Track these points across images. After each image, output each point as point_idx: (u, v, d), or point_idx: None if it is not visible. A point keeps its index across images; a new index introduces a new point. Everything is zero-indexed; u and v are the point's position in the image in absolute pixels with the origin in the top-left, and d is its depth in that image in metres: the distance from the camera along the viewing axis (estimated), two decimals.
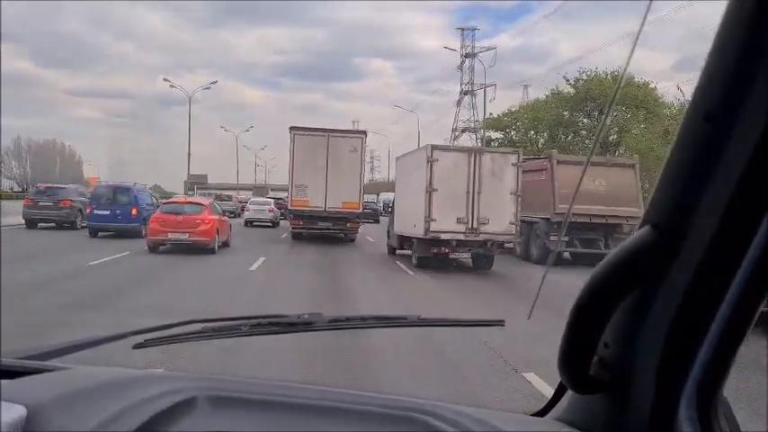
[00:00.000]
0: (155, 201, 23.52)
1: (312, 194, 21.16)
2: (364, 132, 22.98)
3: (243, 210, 37.63)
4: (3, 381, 0.96)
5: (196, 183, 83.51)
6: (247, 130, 69.62)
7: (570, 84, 39.44)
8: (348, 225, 21.91)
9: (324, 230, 21.44)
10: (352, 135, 22.56)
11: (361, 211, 22.56)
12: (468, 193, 15.32)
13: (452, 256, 15.63)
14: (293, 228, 22.42)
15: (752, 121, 0.67)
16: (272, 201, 35.74)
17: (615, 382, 0.88)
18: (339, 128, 22.82)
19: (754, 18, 0.65)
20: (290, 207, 22.11)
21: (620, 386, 0.87)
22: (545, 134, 40.72)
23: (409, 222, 16.71)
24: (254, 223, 32.22)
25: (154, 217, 17.64)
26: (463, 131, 77.25)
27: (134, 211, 20.90)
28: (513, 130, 44.31)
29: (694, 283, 0.76)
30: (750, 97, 0.67)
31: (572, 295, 0.85)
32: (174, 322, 1.46)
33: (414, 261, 16.40)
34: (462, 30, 76.39)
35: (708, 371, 0.79)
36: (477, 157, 15.36)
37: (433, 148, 15.33)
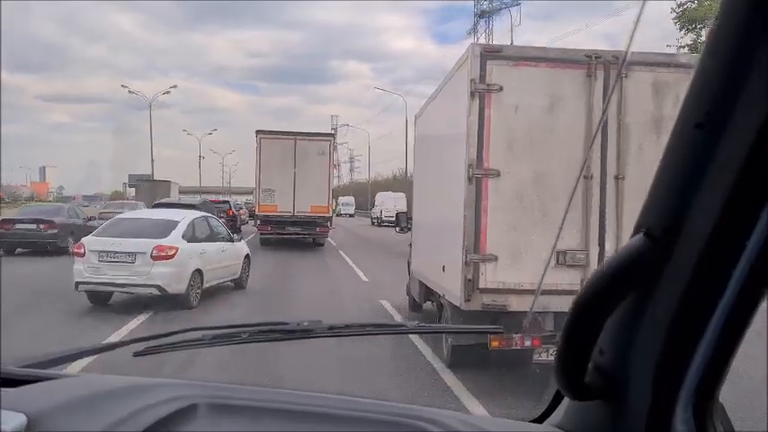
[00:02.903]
0: None
1: (280, 199, 20.70)
2: (332, 135, 23.50)
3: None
4: (3, 389, 0.96)
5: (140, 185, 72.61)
6: (167, 92, 49.02)
7: None
8: (318, 230, 21.22)
9: (292, 235, 20.77)
10: (319, 138, 21.99)
11: (331, 215, 22.17)
12: (587, 179, 5.42)
13: (543, 357, 5.62)
14: (261, 234, 21.10)
15: (743, 128, 0.67)
16: (185, 214, 10.88)
17: (611, 389, 0.88)
18: (309, 131, 22.52)
19: (745, 25, 0.66)
20: (257, 212, 21.46)
21: (617, 392, 0.87)
22: None
23: (433, 257, 6.98)
24: (128, 290, 9.46)
25: None
26: None
27: None
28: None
29: (689, 289, 0.76)
30: (741, 104, 0.67)
31: None
32: (175, 330, 1.49)
33: (444, 352, 6.56)
34: None
35: (704, 376, 0.79)
36: (613, 81, 5.44)
37: (487, 54, 5.42)
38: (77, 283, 9.28)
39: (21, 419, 0.85)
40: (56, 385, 1.11)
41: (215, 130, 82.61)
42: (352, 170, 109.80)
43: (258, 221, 21.43)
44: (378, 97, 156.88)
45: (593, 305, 0.82)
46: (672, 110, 5.33)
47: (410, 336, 7.07)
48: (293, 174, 20.67)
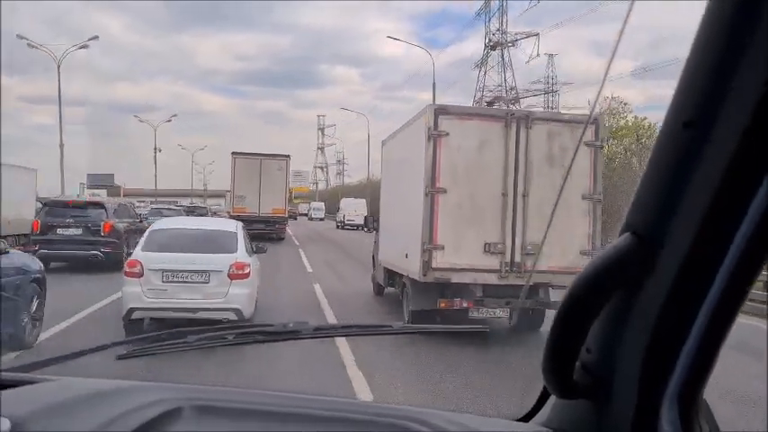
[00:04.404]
0: None
1: (249, 203, 26.92)
2: (288, 156, 28.84)
3: None
4: None
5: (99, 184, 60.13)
6: (84, 46, 33.98)
7: None
8: (277, 226, 27.45)
9: (258, 231, 24.39)
10: (279, 158, 28.37)
11: (286, 215, 29.47)
12: (504, 195, 8.15)
13: (476, 314, 8.39)
14: None
15: (730, 127, 0.67)
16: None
17: (598, 387, 0.88)
18: (271, 152, 28.78)
19: (731, 26, 0.66)
20: (231, 213, 26.30)
21: (603, 390, 0.88)
22: None
23: (399, 248, 9.57)
24: (201, 315, 7.68)
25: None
26: (491, 104, 54.52)
27: None
28: None
29: (674, 288, 0.77)
30: (728, 104, 0.67)
31: None
32: (159, 332, 1.48)
33: (405, 317, 9.21)
34: None
35: (688, 374, 0.80)
36: (522, 130, 8.16)
37: (439, 111, 8.11)
38: (132, 310, 7.70)
39: (5, 424, 0.84)
40: (39, 389, 1.10)
41: (175, 116, 72.49)
42: (341, 173, 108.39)
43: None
44: (365, 102, 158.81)
45: (580, 304, 0.82)
46: (558, 151, 8.12)
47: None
48: (259, 184, 27.05)
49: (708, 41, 0.68)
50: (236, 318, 7.70)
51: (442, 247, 8.01)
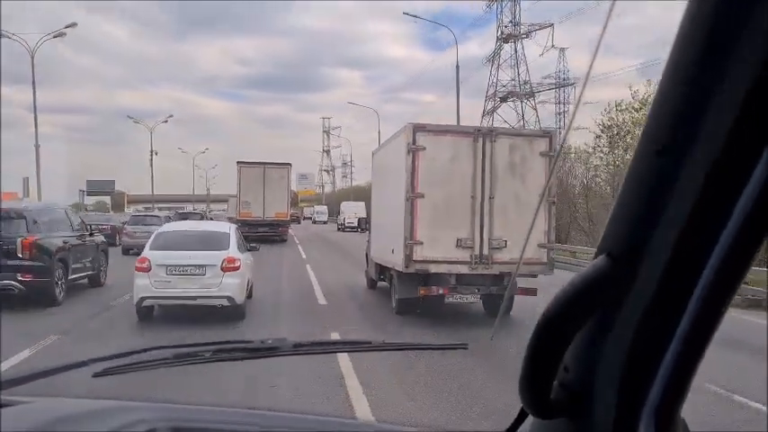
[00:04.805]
0: None
1: (254, 208, 29.30)
2: (289, 164, 31.49)
3: None
4: None
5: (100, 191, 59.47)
6: (60, 34, 32.06)
7: None
8: (280, 229, 29.95)
9: (263, 233, 27.41)
10: (280, 166, 30.92)
11: (288, 219, 31.60)
12: (473, 198, 9.65)
13: (451, 299, 9.92)
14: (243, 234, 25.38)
15: (704, 154, 0.68)
16: None
17: (575, 406, 0.89)
18: (274, 160, 31.24)
19: (702, 52, 0.66)
20: (238, 218, 28.59)
21: (581, 410, 0.88)
22: None
23: (386, 245, 11.08)
24: (199, 302, 9.77)
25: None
26: (504, 99, 53.25)
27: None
28: None
29: (650, 310, 0.79)
30: (702, 130, 0.68)
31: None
32: (135, 349, 1.44)
33: (393, 305, 10.72)
34: None
35: (666, 393, 0.81)
36: (488, 144, 9.67)
37: (417, 128, 9.63)
38: (143, 299, 9.35)
39: None
40: (12, 413, 1.08)
41: (171, 116, 69.10)
42: (346, 175, 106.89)
43: (239, 224, 27.79)
44: (369, 105, 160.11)
45: (558, 325, 0.83)
46: (518, 160, 9.63)
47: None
48: (263, 190, 29.39)
49: (679, 69, 0.69)
50: (228, 304, 9.43)
51: (421, 243, 9.52)
